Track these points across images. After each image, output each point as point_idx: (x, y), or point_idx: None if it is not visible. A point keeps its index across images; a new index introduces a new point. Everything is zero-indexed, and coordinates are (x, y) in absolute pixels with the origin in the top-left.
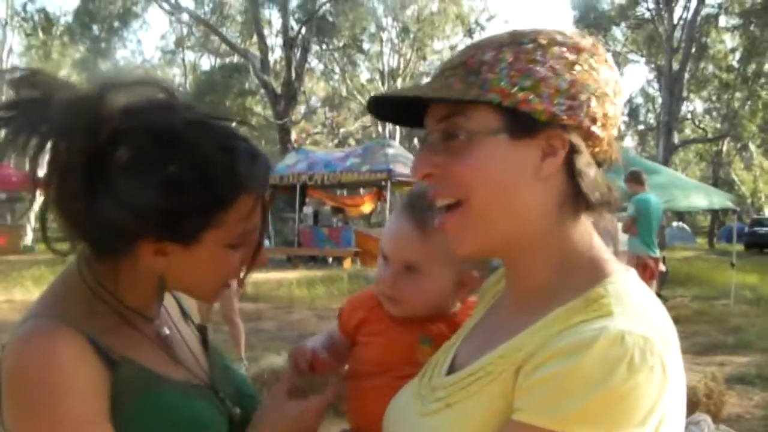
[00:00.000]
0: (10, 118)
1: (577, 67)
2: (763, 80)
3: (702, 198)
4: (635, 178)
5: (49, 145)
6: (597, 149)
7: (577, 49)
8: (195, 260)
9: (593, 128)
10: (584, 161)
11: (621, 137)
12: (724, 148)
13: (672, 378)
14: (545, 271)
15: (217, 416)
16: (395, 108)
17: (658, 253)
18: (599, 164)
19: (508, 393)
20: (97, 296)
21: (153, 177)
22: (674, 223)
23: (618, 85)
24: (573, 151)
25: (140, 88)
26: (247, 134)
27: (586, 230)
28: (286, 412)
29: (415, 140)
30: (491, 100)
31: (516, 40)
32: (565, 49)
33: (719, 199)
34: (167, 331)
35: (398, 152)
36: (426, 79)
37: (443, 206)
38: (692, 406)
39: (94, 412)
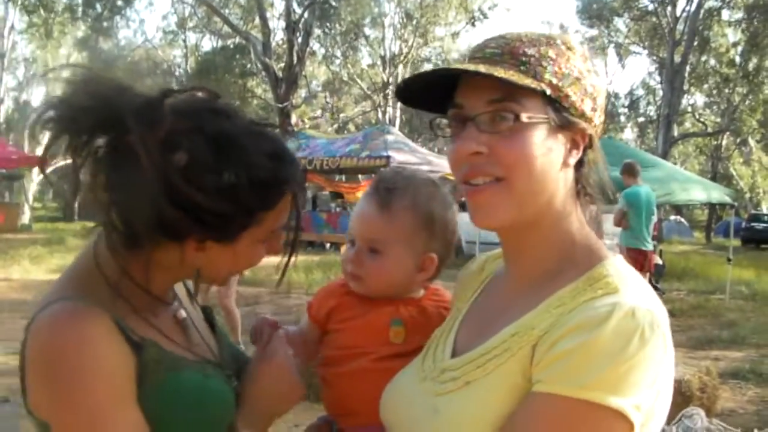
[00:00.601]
0: (65, 116)
1: (591, 71)
2: (764, 75)
3: (700, 192)
4: (628, 170)
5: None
6: (595, 144)
7: (586, 55)
8: (229, 255)
9: (598, 124)
10: (594, 156)
11: (621, 129)
12: (724, 143)
13: (670, 348)
14: (549, 253)
15: (230, 394)
16: (423, 90)
17: (650, 246)
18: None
19: (526, 369)
20: (112, 282)
21: (210, 182)
22: (671, 217)
23: (603, 89)
24: (589, 146)
25: (196, 94)
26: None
27: (581, 218)
28: (264, 374)
29: (418, 126)
30: (544, 90)
31: (550, 40)
32: (579, 55)
33: (717, 194)
34: (183, 314)
35: (398, 139)
36: (428, 66)
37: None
38: (686, 399)
39: (123, 393)
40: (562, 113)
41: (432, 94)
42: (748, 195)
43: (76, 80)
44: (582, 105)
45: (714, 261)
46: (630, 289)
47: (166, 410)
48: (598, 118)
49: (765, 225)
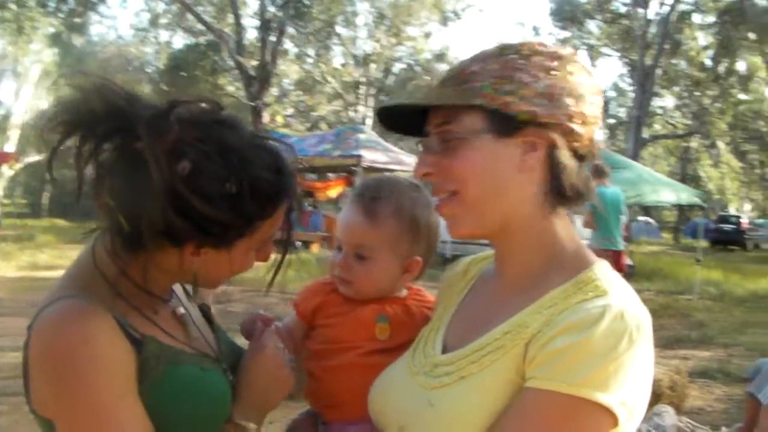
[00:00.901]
0: (77, 120)
1: (555, 72)
2: (734, 79)
3: (670, 193)
4: (594, 171)
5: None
6: (577, 144)
7: (556, 57)
8: (223, 260)
9: (572, 125)
10: (564, 156)
11: None
12: (693, 145)
13: (651, 348)
14: (534, 257)
15: (226, 386)
16: (404, 118)
17: (621, 247)
18: (582, 158)
19: (519, 365)
20: (112, 282)
21: (212, 190)
22: (640, 218)
23: (595, 87)
24: (553, 146)
25: (203, 104)
26: None
27: (567, 222)
28: (257, 367)
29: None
30: (478, 103)
31: (502, 52)
32: (544, 57)
33: (687, 196)
34: (182, 311)
35: (370, 138)
36: (399, 65)
37: (439, 198)
38: (656, 397)
39: (126, 388)
40: (502, 121)
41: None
42: (716, 197)
43: (89, 86)
44: (531, 107)
45: (682, 262)
46: (618, 293)
47: (166, 403)
48: (564, 115)
49: (733, 226)
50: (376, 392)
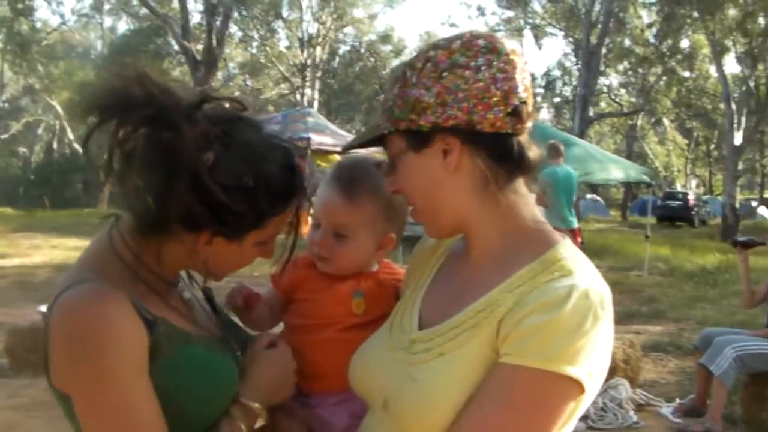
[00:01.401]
0: (116, 106)
1: (444, 74)
2: (678, 57)
3: (619, 171)
4: (550, 151)
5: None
6: (488, 129)
7: (447, 54)
8: (231, 252)
9: (473, 117)
10: (479, 146)
11: (537, 110)
12: (639, 123)
13: (612, 321)
14: (496, 239)
15: (233, 366)
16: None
17: (574, 224)
18: (500, 136)
19: (493, 341)
20: (128, 266)
21: (231, 182)
22: (588, 196)
23: (491, 67)
24: (464, 142)
25: (230, 103)
26: None
27: (524, 202)
28: (267, 357)
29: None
30: (390, 129)
31: (403, 71)
32: (433, 64)
33: (635, 173)
34: (188, 295)
35: (318, 121)
36: (344, 47)
37: None
38: (611, 371)
39: (140, 366)
40: (414, 137)
41: None
42: (662, 173)
43: (129, 74)
44: (428, 118)
45: (631, 238)
46: (582, 272)
47: (175, 382)
48: (460, 112)
49: (679, 203)
50: (356, 366)
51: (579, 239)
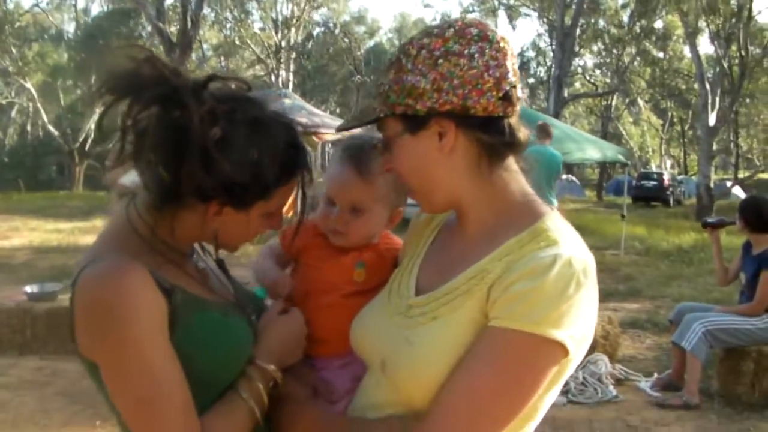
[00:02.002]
0: (129, 85)
1: (440, 62)
2: (653, 38)
3: (595, 151)
4: (539, 131)
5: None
6: (480, 113)
7: (441, 42)
8: (241, 223)
9: (467, 103)
10: (472, 129)
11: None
12: (614, 103)
13: (596, 290)
14: (487, 213)
15: (248, 330)
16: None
17: (554, 203)
18: (492, 120)
19: (483, 306)
20: (146, 239)
21: (237, 155)
22: (563, 176)
23: (484, 55)
24: (459, 125)
25: (236, 83)
26: None
27: (514, 179)
28: (281, 322)
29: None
30: (386, 113)
31: (398, 57)
32: (428, 51)
33: (611, 153)
34: (203, 264)
35: (295, 102)
36: (319, 29)
37: None
38: (591, 347)
39: (160, 333)
40: (410, 120)
41: None
42: (637, 154)
43: (139, 57)
44: (425, 103)
45: (607, 218)
46: (567, 242)
47: (195, 346)
48: (455, 98)
49: (654, 183)
50: (356, 329)
51: None
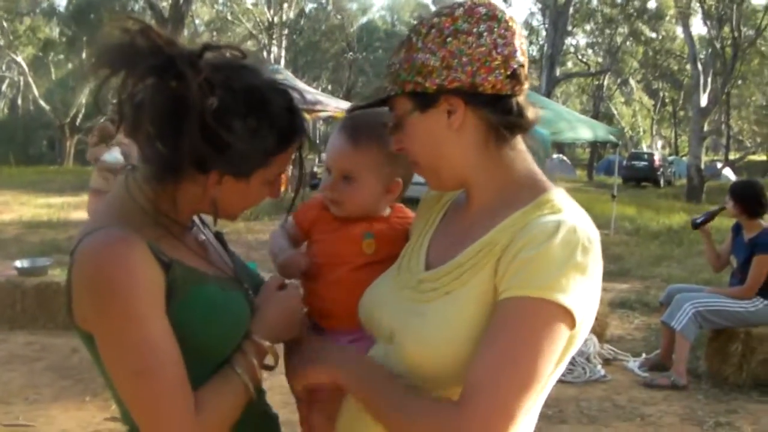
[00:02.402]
0: (125, 57)
1: (449, 40)
2: (645, 18)
3: (587, 131)
4: None
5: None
6: (489, 91)
7: (451, 20)
8: (241, 191)
9: (476, 80)
10: (481, 107)
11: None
12: (606, 83)
13: (600, 259)
14: (493, 191)
15: (245, 304)
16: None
17: None
18: (501, 97)
19: (492, 278)
20: (146, 211)
21: (235, 123)
22: (554, 156)
23: (492, 33)
24: (467, 103)
25: (229, 51)
26: None
27: (521, 157)
28: (278, 297)
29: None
30: (396, 92)
31: (408, 37)
32: (438, 30)
33: (603, 133)
34: (203, 237)
35: (286, 79)
36: (311, 5)
37: None
38: None
39: (156, 304)
40: (420, 98)
41: None
42: (629, 134)
43: (133, 29)
44: (434, 81)
45: (597, 198)
46: (570, 211)
47: (191, 320)
48: (464, 75)
49: (645, 163)
50: (365, 302)
51: None
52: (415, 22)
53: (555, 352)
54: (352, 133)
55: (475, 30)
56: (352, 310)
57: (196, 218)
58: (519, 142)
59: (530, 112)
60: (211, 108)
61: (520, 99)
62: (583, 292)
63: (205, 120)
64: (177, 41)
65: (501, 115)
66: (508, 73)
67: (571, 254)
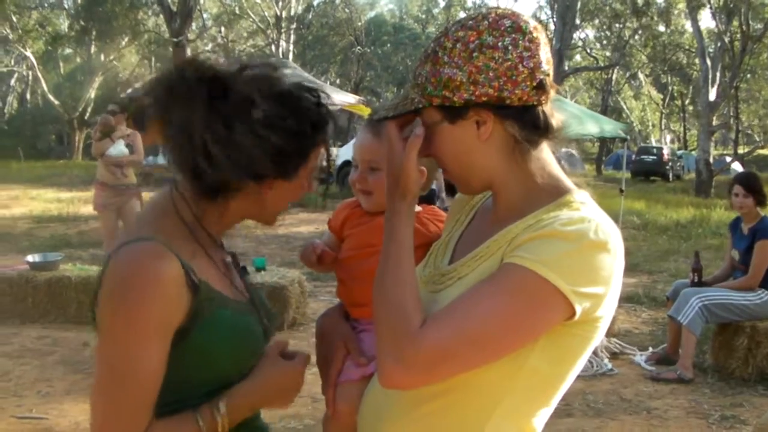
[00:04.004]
0: (170, 88)
1: (475, 55)
2: (653, 11)
3: (595, 126)
4: None
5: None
6: (516, 102)
7: (476, 34)
8: (287, 190)
9: (503, 94)
10: (509, 118)
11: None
12: (614, 77)
13: (618, 260)
14: (517, 195)
15: (259, 329)
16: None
17: None
18: (527, 108)
19: (499, 261)
20: (189, 226)
21: (281, 126)
22: (563, 150)
23: (518, 47)
24: (496, 115)
25: (262, 67)
26: (140, 49)
27: (547, 163)
28: (279, 368)
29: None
30: (424, 104)
31: (434, 50)
32: (463, 44)
33: (611, 128)
34: (229, 259)
35: (296, 72)
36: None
37: None
38: None
39: (161, 330)
40: (449, 110)
41: None
42: (637, 128)
43: (181, 62)
44: (462, 95)
45: (606, 192)
46: (589, 210)
47: (213, 340)
48: (491, 89)
49: (654, 158)
50: None
51: None
52: (439, 34)
53: (531, 327)
54: (374, 126)
55: (500, 44)
56: None
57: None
58: (545, 148)
59: (555, 120)
60: (260, 119)
61: (546, 108)
62: (588, 281)
63: (257, 132)
64: (217, 64)
65: (528, 125)
66: (534, 84)
67: (578, 243)
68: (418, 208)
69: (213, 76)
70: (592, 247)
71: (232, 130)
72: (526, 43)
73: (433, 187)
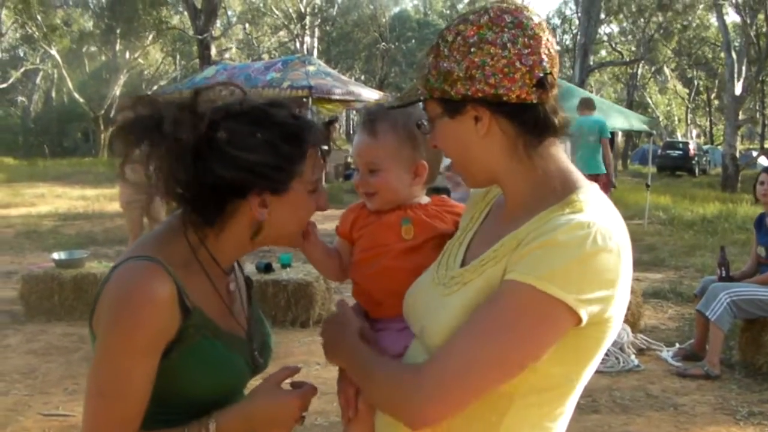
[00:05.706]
0: (133, 127)
1: (473, 50)
2: (678, 5)
3: (622, 120)
4: (581, 104)
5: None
6: (513, 99)
7: (476, 29)
8: (288, 208)
9: (499, 91)
10: (506, 115)
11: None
12: (639, 71)
13: (625, 261)
14: (524, 191)
15: (245, 368)
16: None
17: (600, 170)
18: (530, 105)
19: (503, 269)
20: (194, 252)
21: (250, 141)
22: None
23: (516, 43)
24: (493, 112)
25: (220, 88)
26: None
27: (553, 159)
28: (277, 400)
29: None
30: (426, 96)
31: (437, 42)
32: (463, 39)
33: (637, 122)
34: (234, 287)
35: (319, 69)
36: None
37: None
38: None
39: (151, 348)
40: (448, 104)
41: None
42: (663, 123)
43: (139, 103)
44: (459, 89)
45: (632, 187)
46: (593, 209)
47: (189, 367)
48: (486, 86)
49: (680, 152)
50: (407, 299)
51: (604, 183)
52: (445, 27)
53: (538, 343)
54: (368, 125)
55: (499, 40)
56: (397, 299)
57: (235, 264)
58: (551, 143)
59: (558, 118)
60: (225, 140)
61: (548, 105)
62: (592, 287)
63: (223, 152)
64: (168, 101)
65: (527, 123)
66: (534, 82)
67: (577, 249)
68: (426, 200)
69: (163, 111)
70: (592, 253)
71: (198, 155)
72: (526, 40)
73: (447, 185)
